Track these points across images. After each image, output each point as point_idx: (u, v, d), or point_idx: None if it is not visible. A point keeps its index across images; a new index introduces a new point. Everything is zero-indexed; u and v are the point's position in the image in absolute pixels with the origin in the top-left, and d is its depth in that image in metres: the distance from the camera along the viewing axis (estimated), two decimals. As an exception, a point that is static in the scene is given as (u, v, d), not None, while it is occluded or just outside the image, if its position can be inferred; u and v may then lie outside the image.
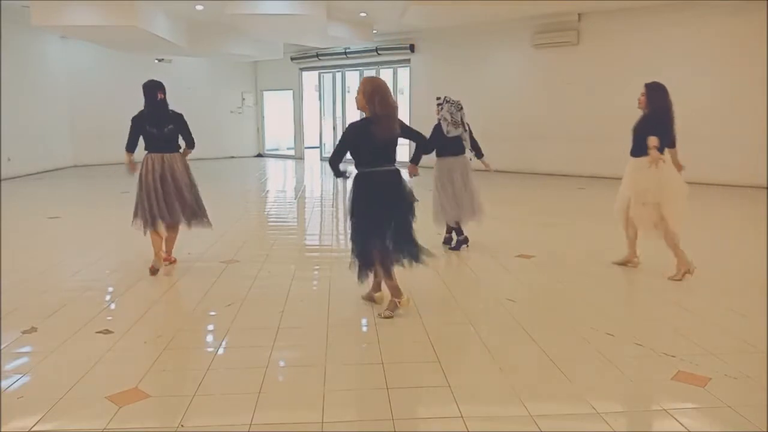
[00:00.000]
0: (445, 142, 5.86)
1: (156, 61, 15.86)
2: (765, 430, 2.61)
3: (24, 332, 3.80)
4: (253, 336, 3.82)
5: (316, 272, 5.37)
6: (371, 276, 4.26)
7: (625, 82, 11.00)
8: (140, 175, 5.23)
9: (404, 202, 4.08)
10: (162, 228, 5.25)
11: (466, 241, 6.13)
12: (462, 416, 2.73)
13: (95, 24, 10.02)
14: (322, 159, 17.62)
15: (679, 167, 5.00)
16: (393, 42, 14.75)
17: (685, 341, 3.61)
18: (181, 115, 5.36)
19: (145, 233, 5.23)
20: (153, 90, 5.25)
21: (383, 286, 4.29)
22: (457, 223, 6.05)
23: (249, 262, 5.64)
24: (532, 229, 7.25)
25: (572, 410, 2.82)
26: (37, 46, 13.37)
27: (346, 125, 4.30)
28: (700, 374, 3.13)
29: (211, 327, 4.04)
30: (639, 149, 4.82)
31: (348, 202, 4.14)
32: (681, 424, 2.67)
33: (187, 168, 5.39)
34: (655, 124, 4.76)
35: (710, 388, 2.99)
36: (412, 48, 14.60)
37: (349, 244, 4.26)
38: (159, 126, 5.18)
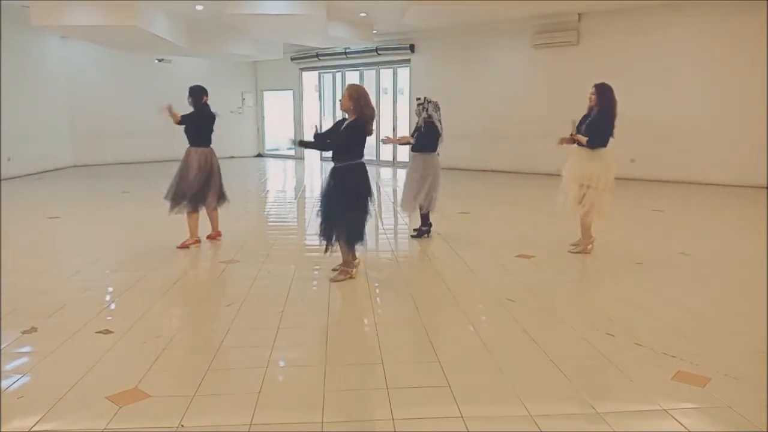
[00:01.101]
0: (435, 140, 6.34)
1: (156, 61, 15.86)
2: (765, 430, 2.61)
3: (24, 332, 3.80)
4: (253, 336, 3.82)
5: (316, 272, 5.37)
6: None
7: (625, 82, 11.01)
8: (185, 165, 6.05)
9: (371, 193, 4.94)
10: (199, 211, 6.15)
11: (429, 231, 6.59)
12: (462, 416, 2.73)
13: (95, 24, 10.02)
14: (322, 159, 17.64)
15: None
16: (393, 42, 14.75)
17: (685, 341, 3.61)
18: (215, 117, 6.32)
19: (190, 215, 6.09)
20: (200, 93, 6.22)
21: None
22: (426, 213, 6.53)
23: (249, 262, 5.64)
24: (532, 229, 7.25)
25: (572, 410, 2.82)
26: (37, 46, 13.37)
27: (348, 123, 4.81)
28: (700, 374, 3.13)
29: (211, 327, 4.04)
30: (593, 141, 5.57)
31: (352, 190, 4.78)
32: (681, 424, 2.67)
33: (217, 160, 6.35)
34: (605, 121, 5.47)
35: (710, 388, 2.99)
36: (412, 48, 14.60)
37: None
38: (204, 125, 6.15)
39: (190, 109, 6.12)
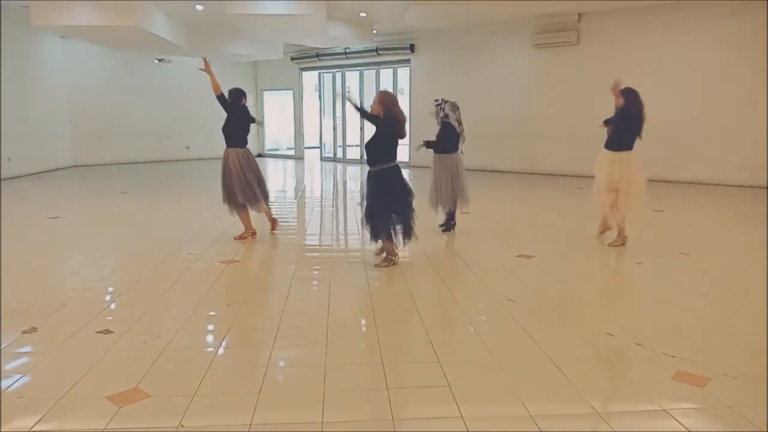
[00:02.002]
0: (453, 139, 6.43)
1: (156, 61, 15.86)
2: (765, 430, 2.61)
3: (24, 332, 3.80)
4: (253, 336, 3.82)
5: (316, 272, 5.37)
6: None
7: (625, 82, 11.02)
8: (228, 166, 6.26)
9: (410, 192, 5.33)
10: (257, 207, 6.50)
11: (453, 226, 6.76)
12: (462, 416, 2.73)
13: (95, 24, 10.02)
14: (322, 159, 17.64)
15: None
16: (393, 42, 14.75)
17: (685, 341, 3.61)
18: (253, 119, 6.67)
19: (240, 210, 6.39)
20: (239, 96, 6.47)
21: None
22: (451, 210, 6.68)
23: (249, 262, 5.64)
24: (532, 229, 7.25)
25: (572, 410, 2.82)
26: (37, 46, 13.37)
27: (386, 119, 5.04)
28: (700, 374, 3.13)
29: (211, 327, 4.04)
30: (614, 144, 5.81)
31: (380, 192, 5.19)
32: (681, 424, 2.67)
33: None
34: (627, 123, 5.66)
35: (710, 388, 2.99)
36: (412, 48, 14.60)
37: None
38: (243, 125, 6.42)
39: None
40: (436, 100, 6.55)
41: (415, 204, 5.38)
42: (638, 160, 5.81)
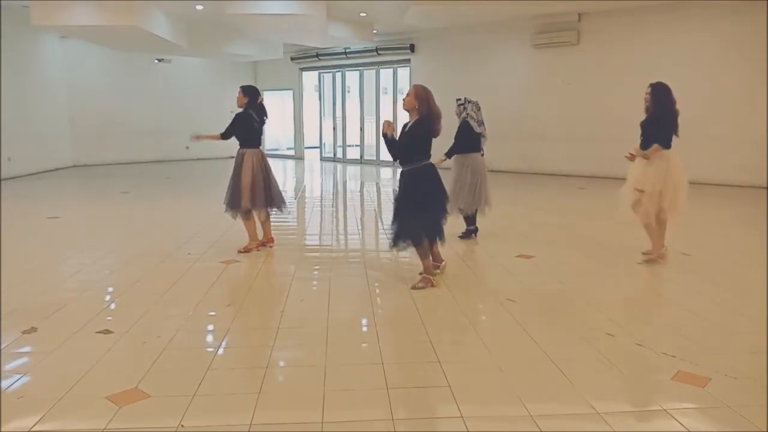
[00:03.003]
0: (471, 139, 6.20)
1: (156, 61, 15.87)
2: (765, 430, 2.60)
3: (24, 332, 3.80)
4: (253, 336, 3.82)
5: (316, 272, 5.37)
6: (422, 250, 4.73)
7: (625, 82, 11.03)
8: (242, 167, 5.77)
9: (443, 191, 4.82)
10: (259, 213, 5.96)
11: (476, 231, 6.49)
12: (462, 416, 2.73)
13: (95, 24, 10.03)
14: (322, 159, 17.64)
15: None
16: (393, 42, 14.75)
17: (685, 341, 3.61)
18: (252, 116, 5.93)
19: (246, 218, 5.90)
20: (256, 93, 5.93)
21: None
22: (472, 214, 6.40)
23: (249, 262, 5.64)
24: (532, 229, 7.25)
25: (572, 410, 2.82)
26: (37, 46, 13.37)
27: (412, 124, 4.65)
28: (700, 374, 3.13)
29: (211, 327, 4.04)
30: (648, 145, 5.15)
31: (411, 192, 4.66)
32: (681, 424, 2.67)
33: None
34: (660, 123, 5.11)
35: (710, 388, 2.99)
36: (412, 48, 14.60)
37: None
38: (259, 125, 5.91)
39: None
40: (458, 100, 6.31)
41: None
42: (676, 161, 5.20)
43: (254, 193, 5.76)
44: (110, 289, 4.86)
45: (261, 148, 6.01)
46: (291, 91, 17.85)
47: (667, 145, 5.11)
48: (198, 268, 5.39)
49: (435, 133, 4.59)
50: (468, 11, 11.59)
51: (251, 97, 5.84)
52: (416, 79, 14.69)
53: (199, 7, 10.97)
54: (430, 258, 4.82)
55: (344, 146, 16.95)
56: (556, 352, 3.45)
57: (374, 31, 13.52)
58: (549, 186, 11.28)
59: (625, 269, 5.28)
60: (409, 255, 5.77)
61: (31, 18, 9.87)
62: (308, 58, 16.69)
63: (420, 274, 4.82)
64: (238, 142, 5.88)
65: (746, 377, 3.11)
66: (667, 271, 5.21)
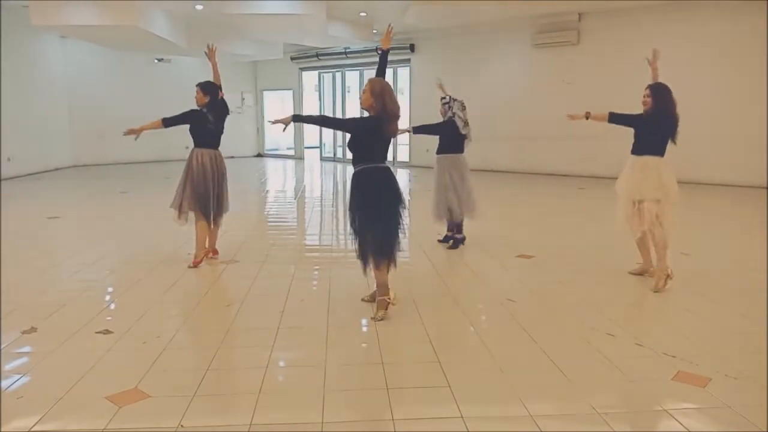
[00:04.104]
0: (456, 140, 6.01)
1: (156, 61, 15.87)
2: (765, 430, 2.61)
3: (24, 332, 3.80)
4: (253, 336, 3.82)
5: (316, 272, 5.37)
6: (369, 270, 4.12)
7: (625, 82, 11.01)
8: (192, 168, 5.41)
9: (399, 199, 4.11)
10: (207, 221, 5.49)
11: (463, 240, 6.23)
12: (462, 416, 2.73)
13: (95, 24, 10.03)
14: (322, 159, 17.64)
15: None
16: (393, 42, 14.66)
17: (685, 341, 3.61)
18: (204, 112, 5.47)
19: (198, 223, 5.46)
20: (216, 90, 5.47)
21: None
22: (460, 222, 6.14)
23: (249, 262, 5.64)
24: (532, 229, 7.25)
25: (572, 410, 2.82)
26: (37, 46, 13.36)
27: (365, 116, 4.12)
28: (700, 374, 3.13)
29: (210, 327, 4.04)
30: (641, 148, 4.91)
31: (352, 198, 4.09)
32: (681, 424, 2.67)
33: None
34: (657, 126, 4.84)
35: (710, 388, 2.99)
36: (412, 48, 14.61)
37: (351, 242, 4.20)
38: (217, 123, 5.44)
39: (187, 108, 5.64)
40: (443, 98, 6.11)
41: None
42: (670, 168, 4.92)
43: (202, 196, 5.36)
44: (110, 289, 4.86)
45: (219, 149, 5.52)
46: (291, 91, 17.85)
47: (660, 151, 4.87)
48: (198, 269, 5.39)
49: (387, 133, 4.00)
50: (468, 11, 11.59)
51: (213, 94, 5.41)
52: (416, 79, 14.72)
53: (199, 7, 10.97)
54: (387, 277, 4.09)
55: (344, 146, 16.94)
56: (556, 352, 3.45)
57: (374, 31, 13.51)
58: (549, 186, 11.28)
59: (624, 270, 5.27)
60: (409, 255, 5.78)
61: (31, 18, 9.86)
62: (308, 57, 16.69)
63: (377, 298, 4.10)
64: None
65: (746, 377, 3.11)
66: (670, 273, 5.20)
